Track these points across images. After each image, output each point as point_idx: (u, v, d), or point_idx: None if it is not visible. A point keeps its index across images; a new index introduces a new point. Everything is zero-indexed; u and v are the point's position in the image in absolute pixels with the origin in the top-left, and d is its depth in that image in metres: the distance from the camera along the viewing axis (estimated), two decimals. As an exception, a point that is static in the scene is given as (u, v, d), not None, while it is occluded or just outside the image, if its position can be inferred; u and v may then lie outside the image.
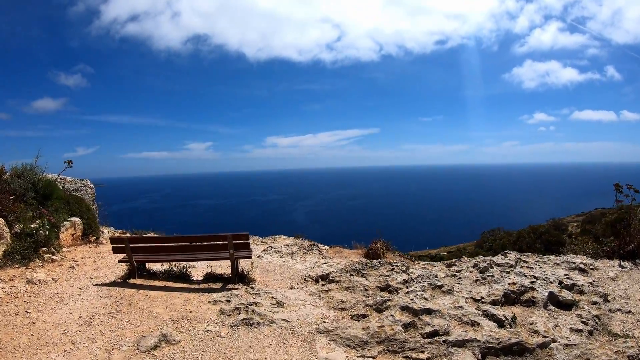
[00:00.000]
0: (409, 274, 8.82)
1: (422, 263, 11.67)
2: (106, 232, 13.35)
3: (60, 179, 14.06)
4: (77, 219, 11.49)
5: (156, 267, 9.30)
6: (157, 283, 8.68)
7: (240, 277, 8.99)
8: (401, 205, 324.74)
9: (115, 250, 8.81)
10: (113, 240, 8.69)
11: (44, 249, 9.61)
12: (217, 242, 8.61)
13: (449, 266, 10.25)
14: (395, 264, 9.55)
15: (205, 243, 8.73)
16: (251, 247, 9.87)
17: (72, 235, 11.25)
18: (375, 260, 10.01)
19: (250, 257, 9.21)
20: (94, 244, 11.88)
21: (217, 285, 8.72)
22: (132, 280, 8.65)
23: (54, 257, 9.57)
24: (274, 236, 14.94)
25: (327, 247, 13.37)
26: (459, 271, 9.30)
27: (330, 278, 9.13)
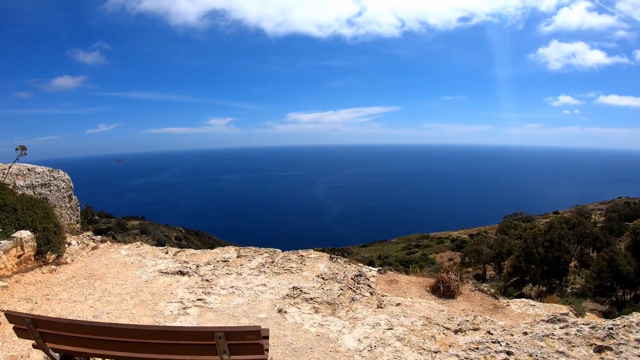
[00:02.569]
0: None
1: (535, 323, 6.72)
2: (75, 243, 9.51)
3: (15, 173, 10.39)
4: (25, 234, 7.96)
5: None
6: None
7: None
8: (421, 185, 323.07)
9: (21, 334, 4.51)
10: (10, 317, 4.37)
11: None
12: (200, 342, 4.14)
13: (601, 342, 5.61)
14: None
15: (180, 342, 4.16)
16: (268, 309, 7.03)
17: (18, 257, 7.78)
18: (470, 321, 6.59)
19: None
20: (53, 266, 8.25)
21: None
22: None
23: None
24: (300, 253, 9.77)
25: (375, 274, 8.71)
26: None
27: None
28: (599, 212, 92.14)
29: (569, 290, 34.02)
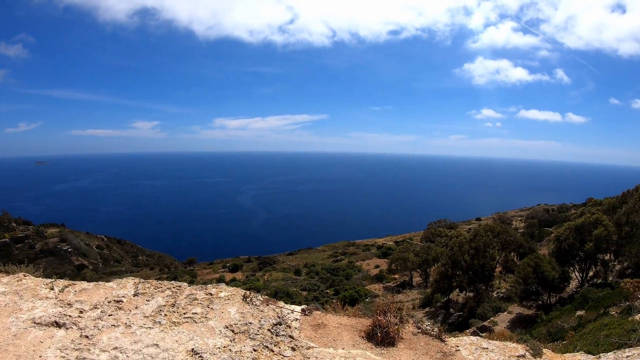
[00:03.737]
0: None
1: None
2: None
3: None
4: None
5: None
6: None
7: None
8: (348, 193, 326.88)
9: None
10: None
11: None
12: None
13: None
14: None
15: None
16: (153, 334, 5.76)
17: None
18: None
19: None
20: None
21: None
22: None
23: None
24: (209, 289, 7.48)
25: (298, 316, 6.67)
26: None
27: None
28: (519, 218, 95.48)
29: (495, 295, 34.32)
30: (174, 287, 6.96)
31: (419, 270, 49.40)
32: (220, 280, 64.41)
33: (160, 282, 7.07)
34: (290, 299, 43.33)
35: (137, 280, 7.15)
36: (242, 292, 7.24)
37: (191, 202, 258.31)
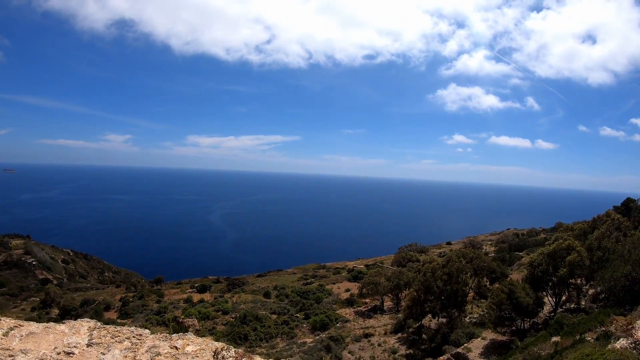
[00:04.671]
0: None
1: None
2: None
3: None
4: None
5: None
6: None
7: None
8: (319, 214, 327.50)
9: None
10: None
11: None
12: None
13: None
14: None
15: None
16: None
17: None
18: None
19: None
20: None
21: None
22: None
23: None
24: (175, 341, 6.34)
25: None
26: None
27: None
28: (489, 242, 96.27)
29: (468, 320, 34.02)
30: (134, 337, 5.69)
31: (390, 295, 48.91)
32: (188, 300, 63.09)
33: (118, 328, 5.90)
34: (259, 322, 42.41)
35: (92, 324, 5.93)
36: (213, 346, 6.11)
37: (161, 219, 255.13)
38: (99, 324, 6.07)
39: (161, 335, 5.98)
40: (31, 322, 5.88)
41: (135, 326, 6.03)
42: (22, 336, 5.53)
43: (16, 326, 5.63)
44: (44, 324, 5.92)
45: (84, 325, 5.90)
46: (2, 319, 6.14)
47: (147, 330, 5.98)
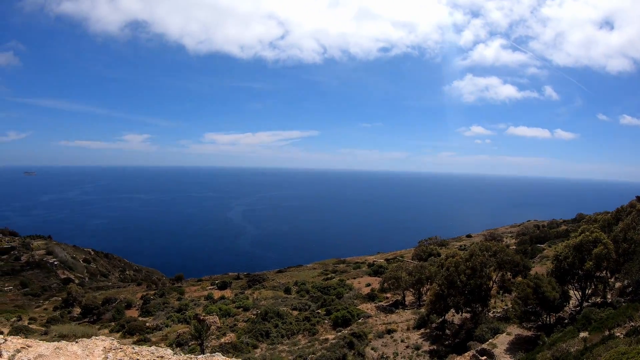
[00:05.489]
0: None
1: None
2: None
3: None
4: None
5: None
6: None
7: None
8: (338, 209, 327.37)
9: None
10: None
11: None
12: None
13: None
14: None
15: None
16: None
17: None
18: None
19: None
20: None
21: None
22: None
23: None
24: None
25: None
26: None
27: None
28: (509, 234, 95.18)
29: (492, 315, 33.53)
30: (155, 358, 5.34)
31: (412, 290, 48.49)
32: (208, 297, 63.31)
33: (137, 350, 5.48)
34: (280, 319, 42.30)
35: (108, 343, 5.47)
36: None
37: (180, 217, 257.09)
38: (115, 343, 5.61)
39: (185, 357, 5.60)
40: (41, 342, 5.45)
41: (157, 345, 5.62)
42: (29, 360, 5.10)
43: (24, 347, 5.12)
44: (55, 343, 5.45)
45: (99, 345, 5.42)
46: (8, 339, 5.59)
47: (169, 351, 5.63)
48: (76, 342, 5.64)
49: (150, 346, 5.76)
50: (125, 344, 5.55)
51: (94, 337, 5.78)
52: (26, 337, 5.90)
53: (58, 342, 5.59)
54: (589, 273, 28.07)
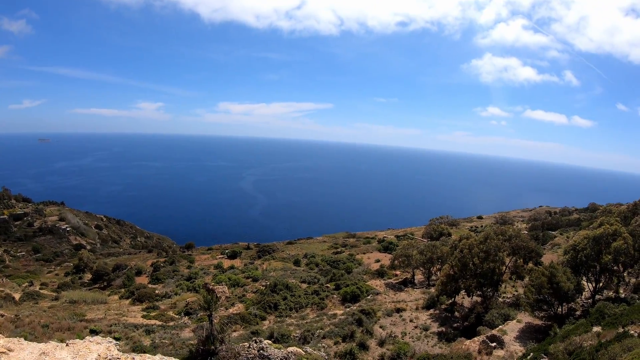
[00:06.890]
0: None
1: None
2: None
3: None
4: None
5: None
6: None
7: None
8: (350, 183, 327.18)
9: None
10: None
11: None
12: None
13: None
14: None
15: None
16: None
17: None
18: None
19: None
20: None
21: None
22: None
23: None
24: None
25: None
26: None
27: None
28: (520, 219, 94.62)
29: (502, 300, 33.30)
30: None
31: (422, 269, 48.38)
32: (218, 266, 63.73)
33: (132, 356, 4.83)
34: (289, 291, 42.40)
35: (103, 349, 4.78)
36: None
37: (192, 185, 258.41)
38: (112, 350, 5.02)
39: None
40: (25, 344, 4.69)
41: (162, 353, 5.17)
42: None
43: (3, 352, 4.41)
44: (41, 346, 4.72)
45: (92, 350, 4.74)
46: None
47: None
48: (67, 344, 5.11)
49: (155, 354, 5.26)
50: (124, 351, 4.97)
51: (87, 339, 5.25)
52: (9, 338, 5.27)
53: (45, 344, 5.06)
54: (606, 267, 27.53)
